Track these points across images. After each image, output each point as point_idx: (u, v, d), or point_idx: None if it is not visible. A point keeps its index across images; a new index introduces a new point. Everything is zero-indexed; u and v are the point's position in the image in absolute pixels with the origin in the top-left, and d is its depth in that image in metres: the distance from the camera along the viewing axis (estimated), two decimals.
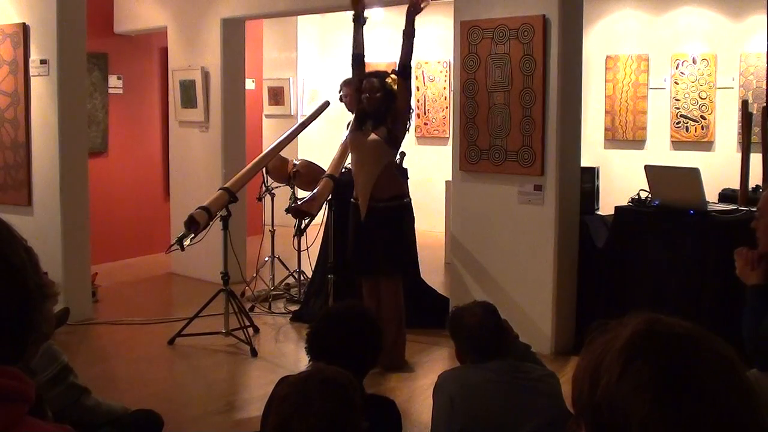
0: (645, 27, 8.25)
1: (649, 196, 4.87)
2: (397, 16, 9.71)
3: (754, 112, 6.15)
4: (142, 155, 8.08)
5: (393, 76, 4.67)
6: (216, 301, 5.25)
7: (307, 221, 5.30)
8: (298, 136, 6.43)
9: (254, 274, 6.46)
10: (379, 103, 4.63)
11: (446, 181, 6.85)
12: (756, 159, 5.00)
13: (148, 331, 5.56)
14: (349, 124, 6.04)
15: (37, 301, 1.11)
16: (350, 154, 4.84)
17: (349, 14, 9.53)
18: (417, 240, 6.03)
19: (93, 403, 2.77)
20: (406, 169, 6.16)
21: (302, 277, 6.39)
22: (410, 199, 4.83)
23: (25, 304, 1.09)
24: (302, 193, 6.21)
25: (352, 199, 4.79)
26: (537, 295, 4.97)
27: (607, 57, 8.37)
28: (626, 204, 5.04)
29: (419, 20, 9.89)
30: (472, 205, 5.25)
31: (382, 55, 9.84)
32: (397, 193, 4.71)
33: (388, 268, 4.67)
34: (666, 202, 4.74)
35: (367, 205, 4.64)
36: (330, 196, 5.38)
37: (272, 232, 6.54)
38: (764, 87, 6.06)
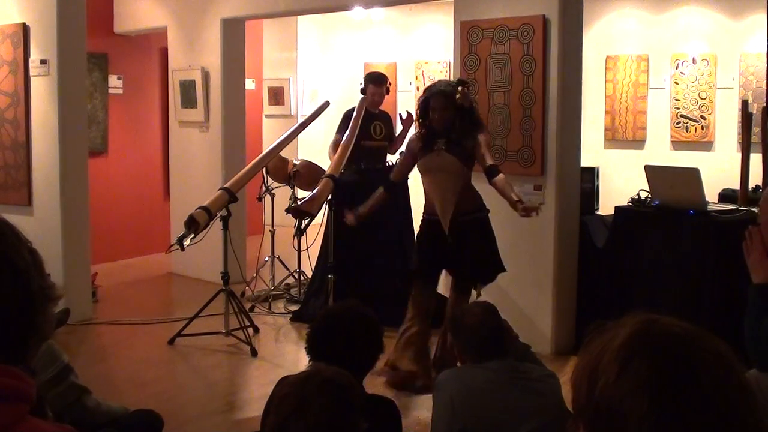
0: (645, 27, 8.24)
1: (649, 196, 4.87)
2: (397, 16, 9.73)
3: (754, 112, 6.15)
4: (142, 155, 8.08)
5: (460, 87, 4.40)
6: (216, 301, 5.25)
7: (307, 221, 5.30)
8: (298, 136, 6.43)
9: (254, 274, 6.46)
10: (449, 120, 4.37)
11: None
12: (756, 159, 5.00)
13: (148, 331, 5.56)
14: (345, 114, 6.03)
15: (41, 303, 1.11)
16: (422, 175, 4.51)
17: (349, 14, 9.51)
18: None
19: (93, 404, 2.77)
20: None
21: (302, 277, 6.39)
22: (488, 211, 4.57)
23: (28, 307, 1.09)
24: (302, 193, 6.21)
25: (424, 215, 4.55)
26: (537, 295, 4.97)
27: (607, 57, 8.36)
28: (626, 204, 5.04)
29: (419, 20, 9.85)
30: None
31: (382, 55, 9.85)
32: (478, 205, 4.48)
33: (484, 275, 4.49)
34: (666, 202, 4.74)
35: (449, 221, 4.38)
36: (330, 196, 5.38)
37: (272, 232, 6.54)
38: (764, 87, 6.06)
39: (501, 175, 4.31)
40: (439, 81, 4.70)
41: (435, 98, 4.38)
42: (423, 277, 4.57)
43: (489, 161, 4.35)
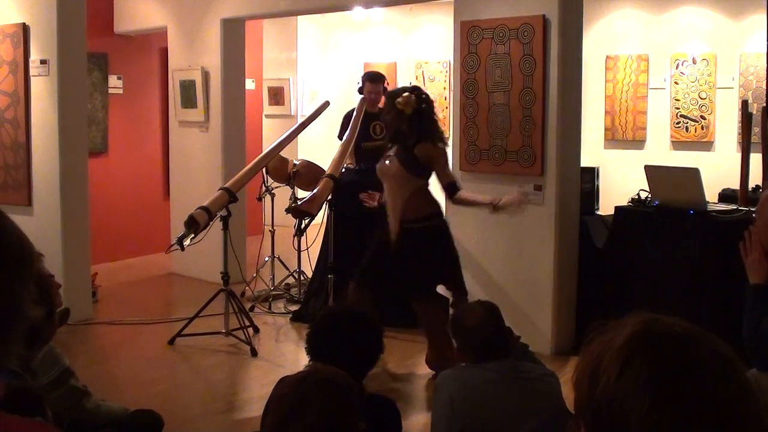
0: (645, 27, 8.25)
1: (649, 196, 4.88)
2: (397, 16, 9.73)
3: (754, 112, 6.15)
4: (142, 155, 8.08)
5: (405, 94, 4.34)
6: (216, 301, 5.25)
7: (307, 221, 5.30)
8: (298, 136, 6.43)
9: (254, 274, 6.46)
10: (389, 125, 4.42)
11: None
12: (756, 159, 5.00)
13: (148, 331, 5.56)
14: (345, 116, 6.05)
15: (14, 301, 1.06)
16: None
17: (349, 14, 9.51)
18: None
19: (93, 406, 2.77)
20: None
21: (302, 277, 6.39)
22: (438, 220, 4.45)
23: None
24: (302, 193, 6.21)
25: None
26: (537, 295, 4.96)
27: (607, 57, 8.37)
28: (626, 204, 5.04)
29: (419, 20, 9.86)
30: None
31: (382, 55, 9.85)
32: (423, 214, 4.36)
33: (417, 292, 4.43)
34: (666, 202, 4.74)
35: (398, 228, 4.38)
36: (330, 196, 5.38)
37: (272, 232, 6.54)
38: (764, 87, 6.06)
39: (461, 192, 4.36)
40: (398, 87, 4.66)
41: (384, 103, 4.47)
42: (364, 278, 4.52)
43: (446, 179, 4.36)
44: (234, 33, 6.95)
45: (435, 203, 4.47)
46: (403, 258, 4.35)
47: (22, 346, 1.08)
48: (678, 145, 8.04)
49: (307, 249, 6.10)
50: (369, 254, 4.57)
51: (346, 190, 5.40)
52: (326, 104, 6.44)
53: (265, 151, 5.95)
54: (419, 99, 4.36)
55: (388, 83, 6.16)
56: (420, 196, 4.39)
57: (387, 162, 4.45)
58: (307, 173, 6.00)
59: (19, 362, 2.21)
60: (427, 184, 4.44)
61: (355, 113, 5.84)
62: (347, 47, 10.07)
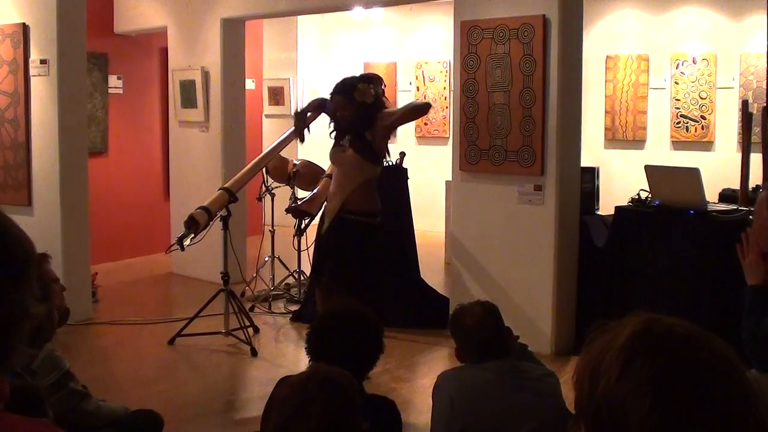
0: (645, 27, 8.25)
1: (649, 196, 4.88)
2: (397, 16, 9.73)
3: (754, 112, 6.15)
4: (142, 155, 8.08)
5: (361, 86, 4.40)
6: (216, 301, 5.25)
7: (307, 221, 5.30)
8: None
9: (254, 274, 6.46)
10: (349, 119, 4.44)
11: (446, 181, 6.88)
12: (756, 159, 5.00)
13: (148, 331, 5.56)
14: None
15: (19, 308, 1.07)
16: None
17: (349, 14, 9.51)
18: (417, 240, 6.06)
19: (93, 407, 2.78)
20: (406, 169, 6.17)
21: (302, 277, 6.39)
22: (381, 219, 4.51)
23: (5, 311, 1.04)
24: (302, 193, 6.21)
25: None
26: (537, 295, 4.96)
27: (607, 57, 8.37)
28: (626, 204, 5.04)
29: (419, 20, 9.83)
30: (472, 205, 5.25)
31: (382, 55, 9.85)
32: (368, 210, 4.42)
33: (333, 281, 4.37)
34: (666, 202, 4.74)
35: (334, 215, 4.42)
36: None
37: (272, 232, 6.54)
38: (764, 87, 6.06)
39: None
40: (342, 79, 4.62)
41: (333, 99, 4.49)
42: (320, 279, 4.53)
43: (403, 109, 4.54)
44: (234, 33, 6.95)
45: (377, 203, 4.47)
46: (341, 250, 4.35)
47: (27, 345, 1.09)
48: (678, 145, 8.04)
49: (307, 249, 6.09)
50: (317, 255, 4.57)
51: None
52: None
53: (265, 151, 5.94)
54: (375, 85, 4.41)
55: (385, 85, 6.14)
56: (367, 189, 4.41)
57: (340, 150, 4.47)
58: (307, 173, 6.00)
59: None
60: (376, 177, 4.45)
61: None
62: (347, 47, 10.06)
